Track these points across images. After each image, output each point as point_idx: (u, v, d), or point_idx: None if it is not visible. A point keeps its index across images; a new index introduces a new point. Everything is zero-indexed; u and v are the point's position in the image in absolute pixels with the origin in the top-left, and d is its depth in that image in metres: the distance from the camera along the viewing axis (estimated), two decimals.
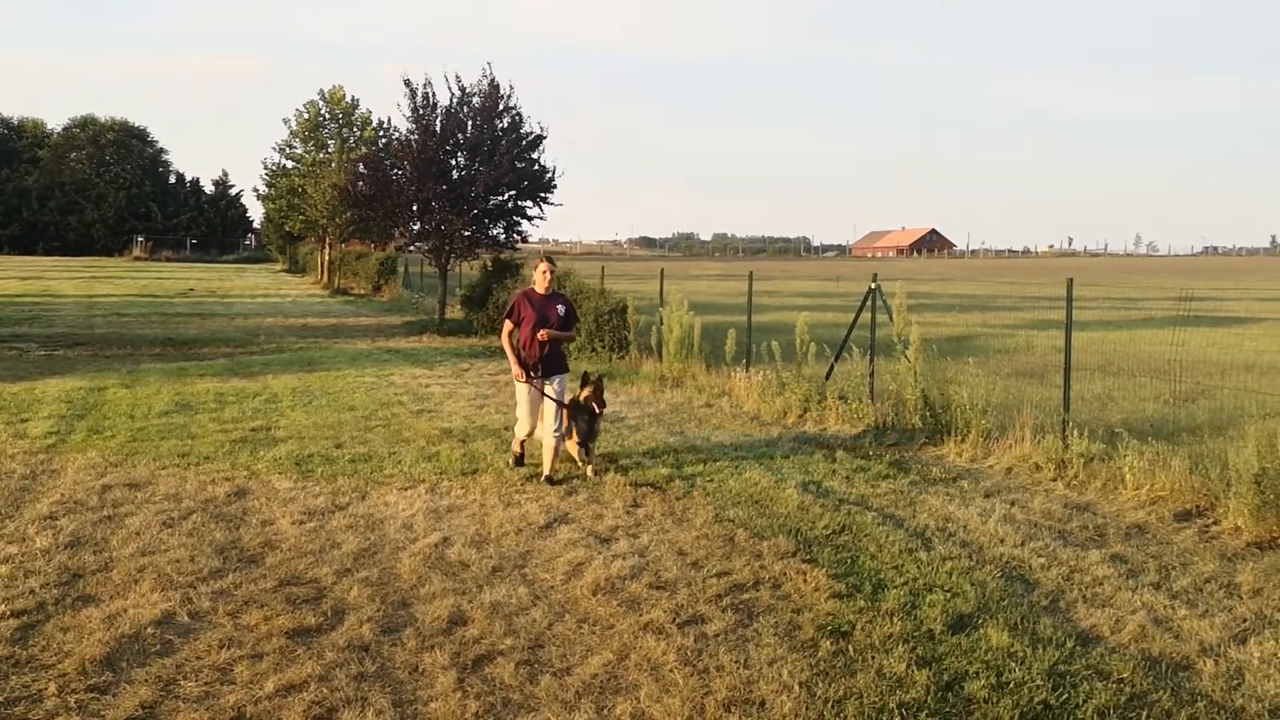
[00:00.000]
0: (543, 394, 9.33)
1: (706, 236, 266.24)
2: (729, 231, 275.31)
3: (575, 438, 9.61)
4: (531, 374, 9.32)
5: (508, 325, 9.52)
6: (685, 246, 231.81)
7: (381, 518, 8.03)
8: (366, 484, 9.08)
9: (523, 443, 9.77)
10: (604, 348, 18.17)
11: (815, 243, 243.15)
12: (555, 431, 9.24)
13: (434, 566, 6.87)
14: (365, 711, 4.76)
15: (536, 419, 9.45)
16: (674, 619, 5.94)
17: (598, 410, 9.61)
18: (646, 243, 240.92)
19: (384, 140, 34.80)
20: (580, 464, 9.69)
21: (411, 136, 25.35)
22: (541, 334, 9.28)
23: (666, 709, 4.79)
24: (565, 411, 9.45)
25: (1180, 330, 16.55)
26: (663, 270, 19.79)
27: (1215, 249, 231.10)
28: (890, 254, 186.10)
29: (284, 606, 6.09)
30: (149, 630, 5.69)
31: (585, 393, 9.59)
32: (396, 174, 25.84)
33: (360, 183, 26.58)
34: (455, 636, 5.69)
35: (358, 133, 45.14)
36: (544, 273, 9.56)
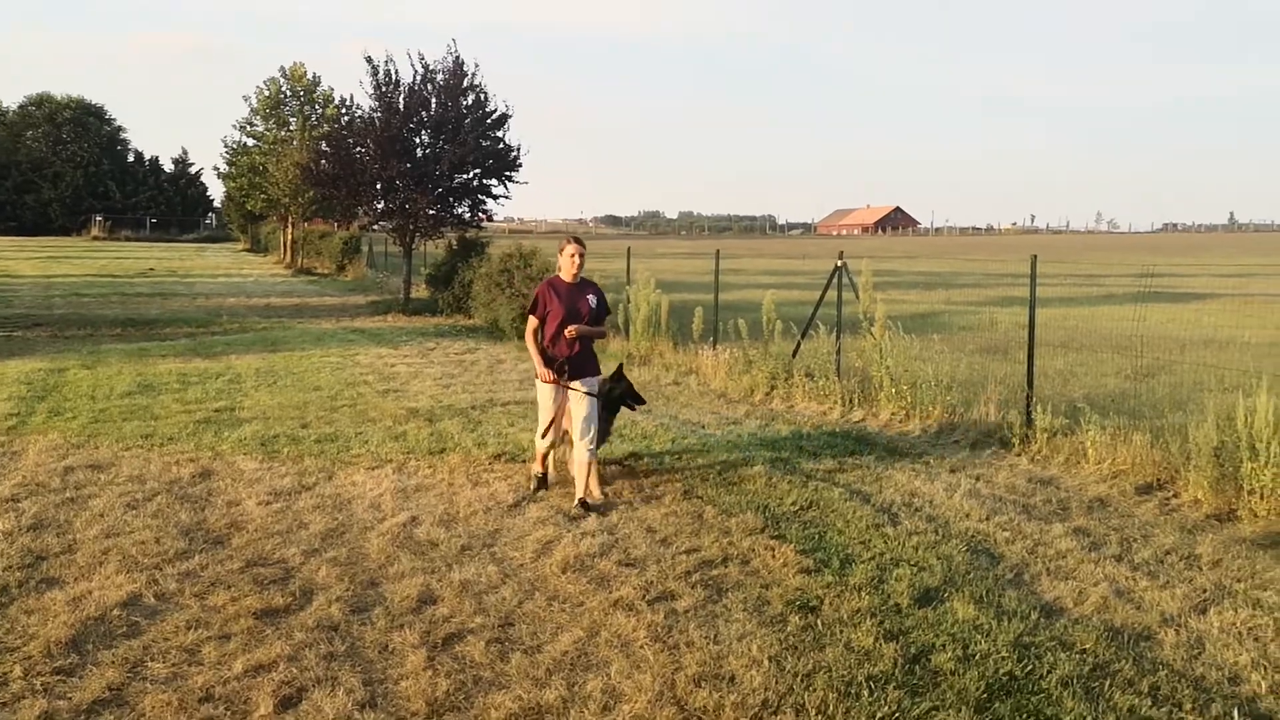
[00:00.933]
0: (567, 391, 7.96)
1: (672, 215, 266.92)
2: (695, 210, 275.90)
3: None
4: (560, 375, 7.93)
5: (531, 321, 8.04)
6: (651, 225, 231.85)
7: (349, 498, 7.99)
8: (333, 464, 9.02)
9: (546, 459, 8.32)
10: None
11: (781, 221, 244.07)
12: (589, 442, 7.86)
13: (402, 546, 6.85)
14: (335, 691, 4.75)
15: (562, 429, 8.15)
16: (644, 596, 5.96)
17: (634, 407, 8.62)
18: (612, 221, 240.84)
19: (347, 118, 34.39)
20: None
21: (375, 114, 25.08)
22: (569, 330, 7.81)
23: (637, 685, 4.81)
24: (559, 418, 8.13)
25: (1141, 306, 16.74)
26: (629, 249, 19.76)
27: (1175, 226, 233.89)
28: (855, 232, 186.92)
29: (251, 587, 6.05)
30: (115, 612, 5.64)
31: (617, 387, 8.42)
32: (360, 152, 25.56)
33: (323, 161, 26.29)
34: (425, 615, 5.68)
35: (320, 110, 44.68)
36: (572, 257, 7.97)
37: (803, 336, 13.65)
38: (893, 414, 11.29)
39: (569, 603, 5.89)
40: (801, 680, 4.87)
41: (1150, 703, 4.66)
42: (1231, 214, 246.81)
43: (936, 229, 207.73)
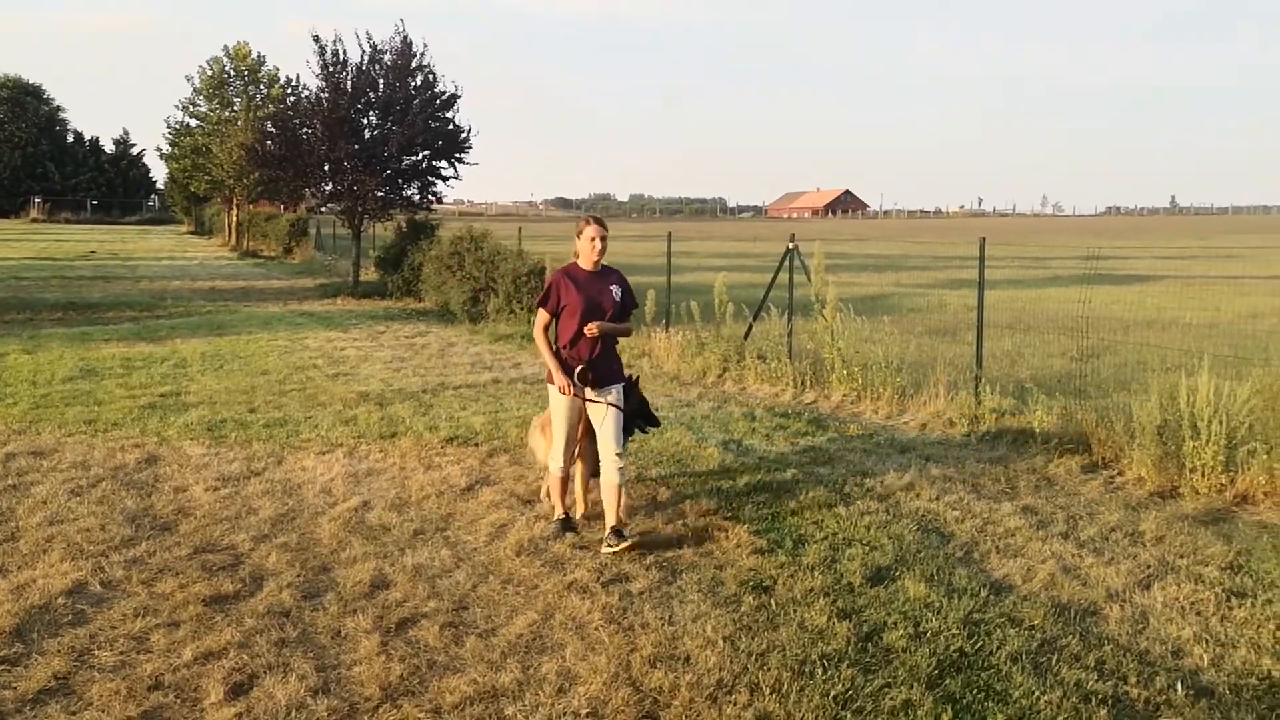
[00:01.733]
0: (587, 402, 6.67)
1: (623, 197, 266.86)
2: (645, 192, 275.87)
3: (584, 466, 7.05)
4: (578, 383, 6.60)
5: (542, 315, 6.75)
6: (602, 207, 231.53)
7: (299, 482, 7.91)
8: (282, 449, 8.92)
9: (566, 492, 6.96)
10: (523, 309, 18.07)
11: (731, 203, 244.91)
12: (619, 459, 6.56)
13: (354, 530, 6.79)
14: (287, 677, 4.70)
15: (577, 448, 6.88)
16: (598, 578, 5.96)
17: (645, 430, 7.28)
18: (563, 204, 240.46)
19: (292, 99, 33.87)
20: (583, 504, 7.14)
21: (322, 95, 24.78)
22: (590, 328, 6.56)
23: (592, 666, 4.81)
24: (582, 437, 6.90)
25: (1086, 288, 17.00)
26: None
27: (1118, 209, 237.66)
28: (805, 215, 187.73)
29: (200, 574, 5.97)
30: (60, 601, 5.54)
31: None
32: (306, 133, 25.25)
33: (269, 142, 25.92)
34: (378, 600, 5.64)
35: (264, 90, 43.99)
36: (593, 240, 6.62)
37: (755, 319, 13.70)
38: (844, 395, 11.37)
39: (523, 586, 5.87)
40: (756, 660, 4.89)
41: (1096, 676, 4.75)
42: (1173, 197, 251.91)
43: (885, 211, 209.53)
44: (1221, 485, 7.67)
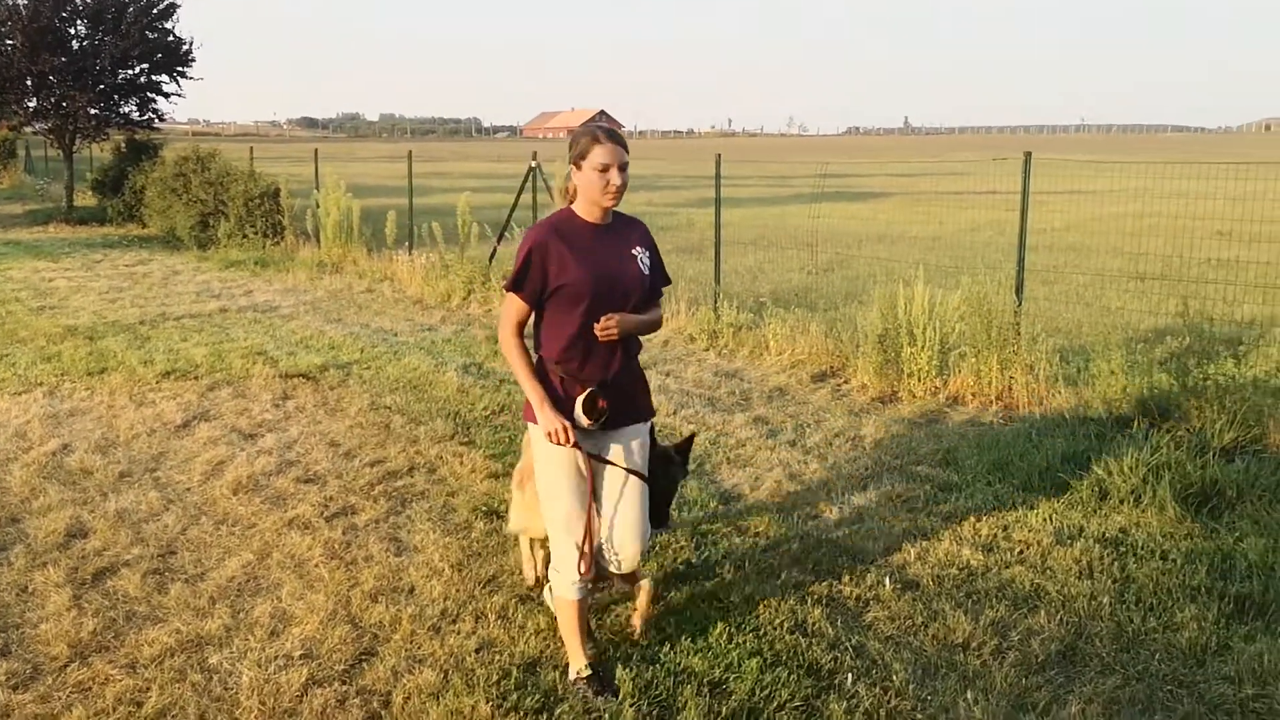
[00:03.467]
0: (598, 462, 3.94)
1: (373, 117, 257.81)
2: (397, 112, 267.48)
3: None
4: (582, 421, 3.75)
5: (515, 307, 3.78)
6: (351, 128, 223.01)
7: None
8: None
9: (584, 614, 4.06)
10: (256, 233, 17.06)
11: (486, 124, 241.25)
12: (639, 540, 3.98)
13: (50, 476, 6.20)
14: None
15: (590, 520, 3.86)
16: (321, 513, 5.68)
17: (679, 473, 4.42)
18: (309, 123, 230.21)
19: None
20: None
21: (19, 2, 22.35)
22: (607, 324, 3.71)
23: (309, 605, 4.57)
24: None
25: (820, 205, 17.64)
26: (317, 151, 18.75)
27: (858, 129, 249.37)
28: (561, 135, 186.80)
29: None
30: None
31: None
32: (9, 45, 22.76)
33: None
34: (73, 551, 5.16)
35: None
36: (604, 171, 3.80)
37: (499, 240, 13.45)
38: None
39: (239, 525, 5.52)
40: (484, 586, 4.78)
41: (814, 577, 4.89)
42: (906, 119, 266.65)
43: (641, 132, 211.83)
44: (935, 388, 8.10)
